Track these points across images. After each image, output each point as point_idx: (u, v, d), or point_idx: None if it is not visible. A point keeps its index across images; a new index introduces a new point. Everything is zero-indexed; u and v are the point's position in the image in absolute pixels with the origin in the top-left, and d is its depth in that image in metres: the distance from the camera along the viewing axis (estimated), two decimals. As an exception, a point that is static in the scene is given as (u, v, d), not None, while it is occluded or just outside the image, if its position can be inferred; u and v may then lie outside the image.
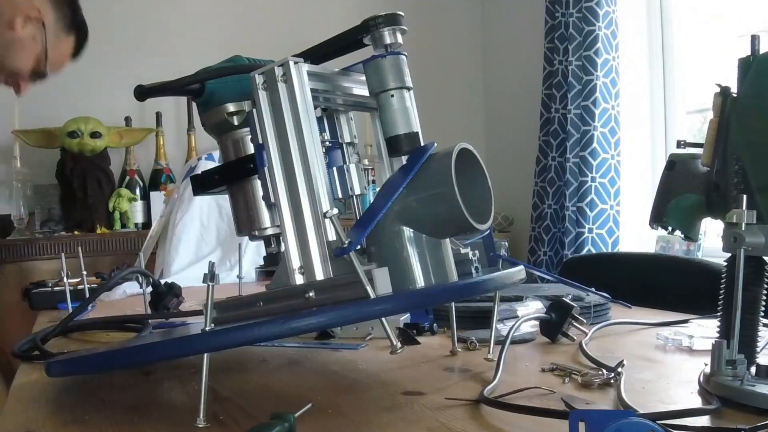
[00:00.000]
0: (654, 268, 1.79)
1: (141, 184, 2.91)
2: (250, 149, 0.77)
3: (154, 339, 0.91)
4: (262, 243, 0.81)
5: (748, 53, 0.68)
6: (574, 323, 0.93)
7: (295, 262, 0.69)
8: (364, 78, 0.73)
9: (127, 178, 2.88)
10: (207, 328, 0.63)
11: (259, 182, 0.72)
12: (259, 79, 0.70)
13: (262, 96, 0.70)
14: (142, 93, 0.78)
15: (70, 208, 2.77)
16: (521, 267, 0.80)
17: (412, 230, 0.67)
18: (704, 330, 0.96)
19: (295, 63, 0.69)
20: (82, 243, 2.41)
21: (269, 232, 0.79)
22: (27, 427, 0.64)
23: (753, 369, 0.65)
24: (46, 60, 1.63)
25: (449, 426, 0.59)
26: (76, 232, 2.71)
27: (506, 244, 0.87)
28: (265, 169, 0.70)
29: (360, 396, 0.71)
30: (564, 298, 0.97)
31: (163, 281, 1.36)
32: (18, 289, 1.60)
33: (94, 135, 2.74)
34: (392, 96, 0.71)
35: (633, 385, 0.70)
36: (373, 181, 2.94)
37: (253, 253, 1.81)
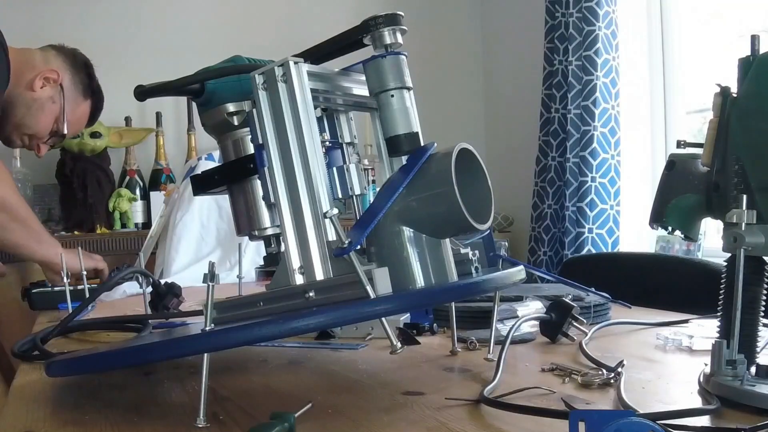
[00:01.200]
0: (654, 268, 1.79)
1: (141, 184, 2.90)
2: (250, 149, 0.77)
3: (154, 339, 0.91)
4: (262, 243, 0.81)
5: (748, 53, 0.68)
6: (574, 323, 0.93)
7: (295, 262, 0.69)
8: (364, 78, 0.73)
9: (127, 178, 2.88)
10: (207, 328, 0.63)
11: (259, 182, 0.72)
12: (259, 79, 0.70)
13: (262, 96, 0.70)
14: (142, 93, 0.78)
15: (70, 208, 2.76)
16: (521, 267, 0.80)
17: (412, 230, 0.67)
18: (704, 330, 0.96)
19: (295, 63, 0.69)
20: (82, 243, 2.41)
21: (269, 232, 0.79)
22: (27, 427, 0.64)
23: (753, 369, 0.65)
24: (65, 121, 1.66)
25: (449, 426, 0.59)
26: (76, 232, 2.71)
27: (506, 244, 0.87)
28: (265, 169, 0.70)
29: (360, 396, 0.71)
30: (564, 298, 0.97)
31: (163, 281, 1.36)
32: (18, 289, 1.60)
33: (94, 135, 2.74)
34: (392, 96, 0.71)
35: (633, 385, 0.70)
36: (373, 181, 2.94)
37: (253, 253, 1.81)
